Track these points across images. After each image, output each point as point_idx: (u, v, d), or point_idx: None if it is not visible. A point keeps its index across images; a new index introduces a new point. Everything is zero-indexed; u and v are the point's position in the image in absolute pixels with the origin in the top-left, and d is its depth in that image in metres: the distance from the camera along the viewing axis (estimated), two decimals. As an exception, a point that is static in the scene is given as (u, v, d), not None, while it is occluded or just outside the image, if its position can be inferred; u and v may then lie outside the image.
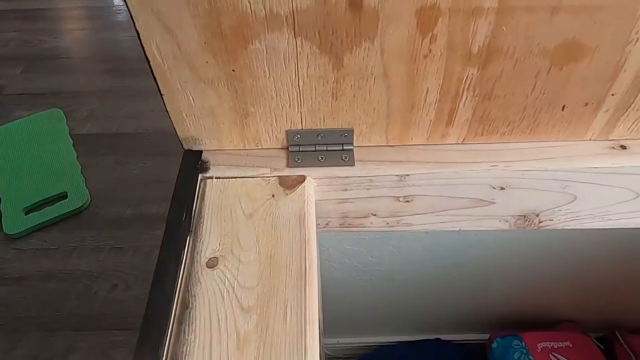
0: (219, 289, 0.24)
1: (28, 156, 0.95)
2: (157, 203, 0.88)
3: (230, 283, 0.24)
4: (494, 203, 0.31)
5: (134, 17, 0.23)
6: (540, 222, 0.33)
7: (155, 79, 0.26)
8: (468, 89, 0.26)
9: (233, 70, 0.25)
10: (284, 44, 0.24)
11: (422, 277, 0.50)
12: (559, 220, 0.33)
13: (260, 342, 0.22)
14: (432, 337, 0.60)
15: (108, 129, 1.04)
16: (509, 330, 0.56)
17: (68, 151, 0.97)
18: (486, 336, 0.59)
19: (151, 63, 0.25)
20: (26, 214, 0.85)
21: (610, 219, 0.33)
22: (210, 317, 0.23)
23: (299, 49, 0.24)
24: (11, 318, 0.75)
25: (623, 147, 0.30)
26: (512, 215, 0.33)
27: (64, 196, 0.88)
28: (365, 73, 0.25)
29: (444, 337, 0.61)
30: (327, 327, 0.58)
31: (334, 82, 0.26)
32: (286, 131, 0.29)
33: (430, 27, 0.23)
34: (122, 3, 1.48)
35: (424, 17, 0.23)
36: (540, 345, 0.53)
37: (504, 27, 0.23)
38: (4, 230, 0.83)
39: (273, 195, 0.28)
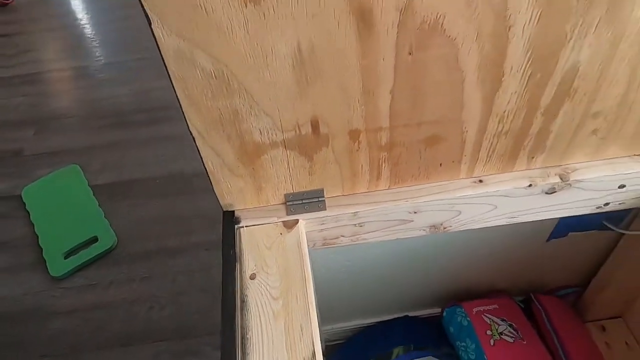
0: (259, 289, 0.44)
1: (58, 208, 1.13)
2: (174, 237, 1.07)
3: (264, 286, 0.44)
4: (412, 221, 0.52)
5: (199, 148, 0.43)
6: (444, 228, 0.54)
7: (208, 176, 0.46)
8: (384, 162, 0.47)
9: (253, 169, 0.45)
10: (280, 153, 0.44)
11: (384, 271, 0.70)
12: (455, 226, 0.54)
13: (286, 314, 0.42)
14: (401, 315, 0.81)
15: (120, 177, 1.22)
16: (454, 301, 0.76)
17: (90, 200, 1.15)
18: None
19: (207, 169, 0.45)
20: (66, 257, 1.03)
21: (484, 223, 0.54)
22: (257, 305, 0.42)
23: (288, 155, 0.44)
24: (68, 343, 0.92)
25: (481, 181, 0.51)
26: (426, 227, 0.53)
27: (95, 239, 1.06)
28: (326, 162, 0.46)
29: (410, 314, 0.82)
30: (323, 317, 0.78)
31: (309, 167, 0.46)
32: (284, 194, 0.49)
33: (357, 137, 0.44)
34: (103, 62, 1.64)
35: (353, 133, 0.43)
36: (475, 310, 0.74)
37: (395, 133, 0.44)
38: (51, 274, 1.00)
39: (281, 233, 0.48)
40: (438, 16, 0.35)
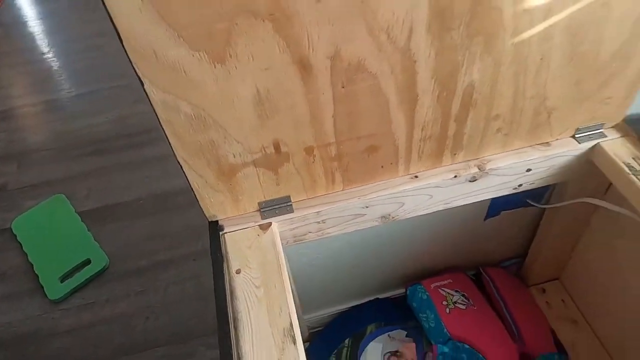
0: (244, 281, 0.54)
1: (49, 236, 1.20)
2: (163, 252, 1.16)
3: (248, 278, 0.54)
4: (365, 214, 0.63)
5: (185, 172, 0.53)
6: (392, 218, 0.66)
7: (194, 194, 0.56)
8: (336, 170, 0.58)
9: (230, 185, 0.56)
10: (251, 171, 0.55)
11: (352, 260, 0.81)
12: (401, 215, 0.66)
13: (267, 299, 0.52)
14: (372, 298, 0.92)
15: (106, 201, 1.29)
16: (415, 280, 0.88)
17: (78, 226, 1.22)
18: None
19: (193, 189, 0.55)
20: (62, 281, 1.10)
21: (425, 210, 0.66)
22: (243, 293, 0.53)
23: (258, 171, 0.55)
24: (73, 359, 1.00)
25: (416, 177, 0.63)
26: (377, 218, 0.65)
27: (88, 262, 1.13)
28: (289, 174, 0.56)
29: (380, 296, 0.93)
30: (305, 307, 0.89)
31: (276, 179, 0.57)
32: (258, 202, 0.60)
33: (311, 152, 0.55)
34: (75, 93, 1.71)
35: (308, 150, 0.54)
36: (432, 285, 0.86)
37: (341, 146, 0.55)
38: (49, 297, 1.07)
39: (258, 235, 0.59)
40: (359, 59, 0.46)
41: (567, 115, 0.62)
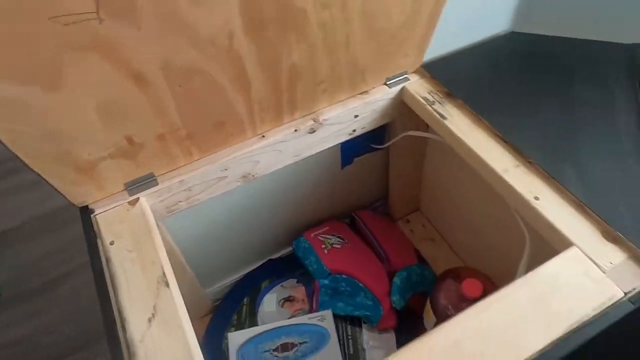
0: (118, 249, 0.60)
1: None
2: (56, 268, 1.15)
3: (122, 246, 0.61)
4: (227, 176, 0.73)
5: (45, 178, 0.58)
6: (252, 176, 0.76)
7: (60, 192, 0.60)
8: (190, 145, 0.66)
9: (91, 177, 0.60)
10: (110, 163, 0.60)
11: (234, 223, 0.89)
12: (260, 172, 0.76)
13: (140, 259, 0.59)
14: (266, 259, 1.02)
15: (-14, 233, 1.24)
16: (299, 235, 1.00)
17: (-41, 263, 1.16)
18: (294, 245, 1.02)
19: (57, 189, 0.59)
20: (-51, 321, 1.05)
21: (279, 165, 0.76)
22: (118, 259, 0.59)
23: (116, 161, 0.61)
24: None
25: (263, 136, 0.73)
26: (239, 178, 0.74)
27: (-24, 295, 1.09)
28: (147, 157, 0.63)
29: (273, 256, 1.03)
30: (205, 280, 0.96)
31: (135, 164, 0.63)
32: (124, 183, 0.66)
33: (164, 138, 0.62)
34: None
35: (160, 137, 0.61)
36: (312, 235, 0.98)
37: (190, 129, 0.64)
38: (-63, 339, 1.02)
39: (128, 210, 0.65)
40: (190, 64, 0.53)
41: (377, 70, 0.76)
